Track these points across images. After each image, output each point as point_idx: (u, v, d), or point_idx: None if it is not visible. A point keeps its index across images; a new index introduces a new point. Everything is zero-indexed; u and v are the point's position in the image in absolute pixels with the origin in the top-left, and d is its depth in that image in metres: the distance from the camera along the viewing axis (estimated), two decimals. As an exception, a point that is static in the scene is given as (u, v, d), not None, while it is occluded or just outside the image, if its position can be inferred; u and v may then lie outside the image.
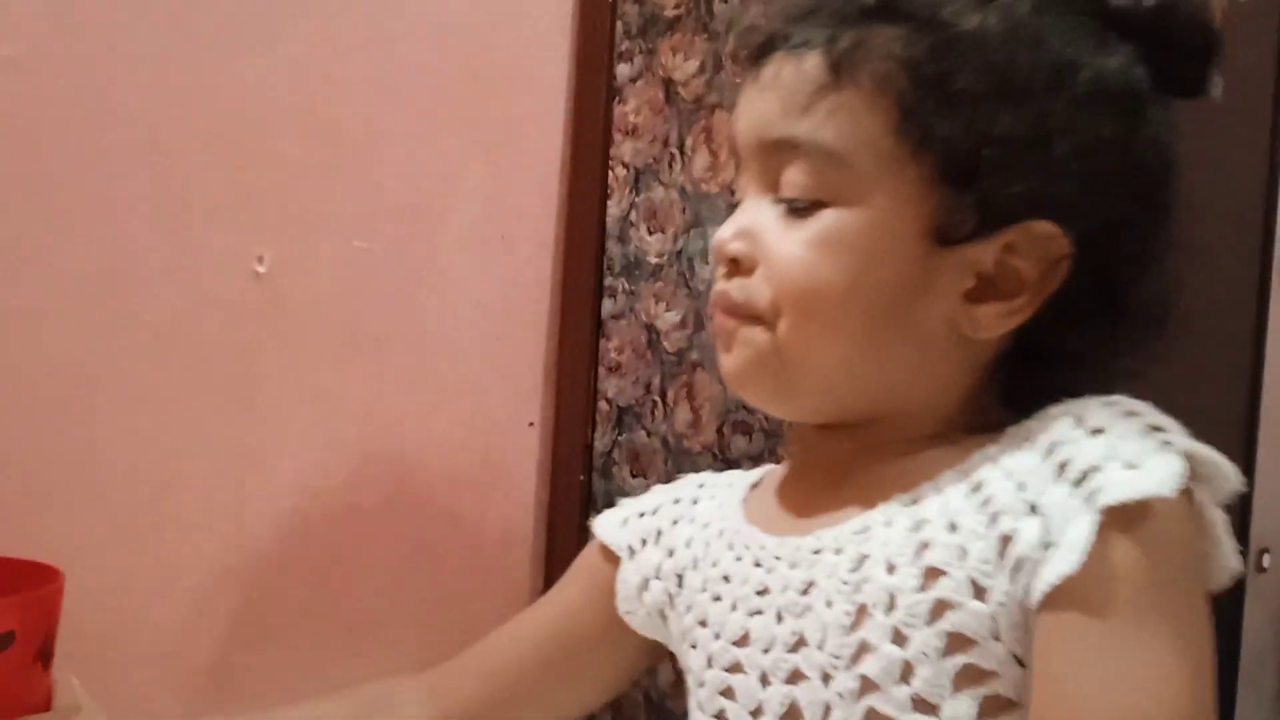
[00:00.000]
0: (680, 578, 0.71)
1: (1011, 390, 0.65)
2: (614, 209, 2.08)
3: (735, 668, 0.63)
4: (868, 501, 0.60)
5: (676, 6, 1.90)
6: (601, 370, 2.13)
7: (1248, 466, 1.78)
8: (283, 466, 0.97)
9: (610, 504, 2.19)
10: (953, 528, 0.56)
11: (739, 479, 0.74)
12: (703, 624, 0.67)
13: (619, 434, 2.14)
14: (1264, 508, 1.85)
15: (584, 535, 1.09)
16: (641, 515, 0.78)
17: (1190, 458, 0.54)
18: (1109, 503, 0.52)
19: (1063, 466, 0.54)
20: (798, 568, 0.61)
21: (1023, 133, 0.57)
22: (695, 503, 0.74)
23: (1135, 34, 0.61)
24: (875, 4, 0.59)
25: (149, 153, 0.90)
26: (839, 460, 0.64)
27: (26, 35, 0.86)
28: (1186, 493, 0.54)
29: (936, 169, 0.59)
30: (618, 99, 1.99)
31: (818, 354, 0.61)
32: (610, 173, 2.04)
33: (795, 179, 0.60)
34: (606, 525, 0.77)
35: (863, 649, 0.56)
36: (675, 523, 0.75)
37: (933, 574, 0.56)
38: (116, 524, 0.88)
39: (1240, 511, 1.63)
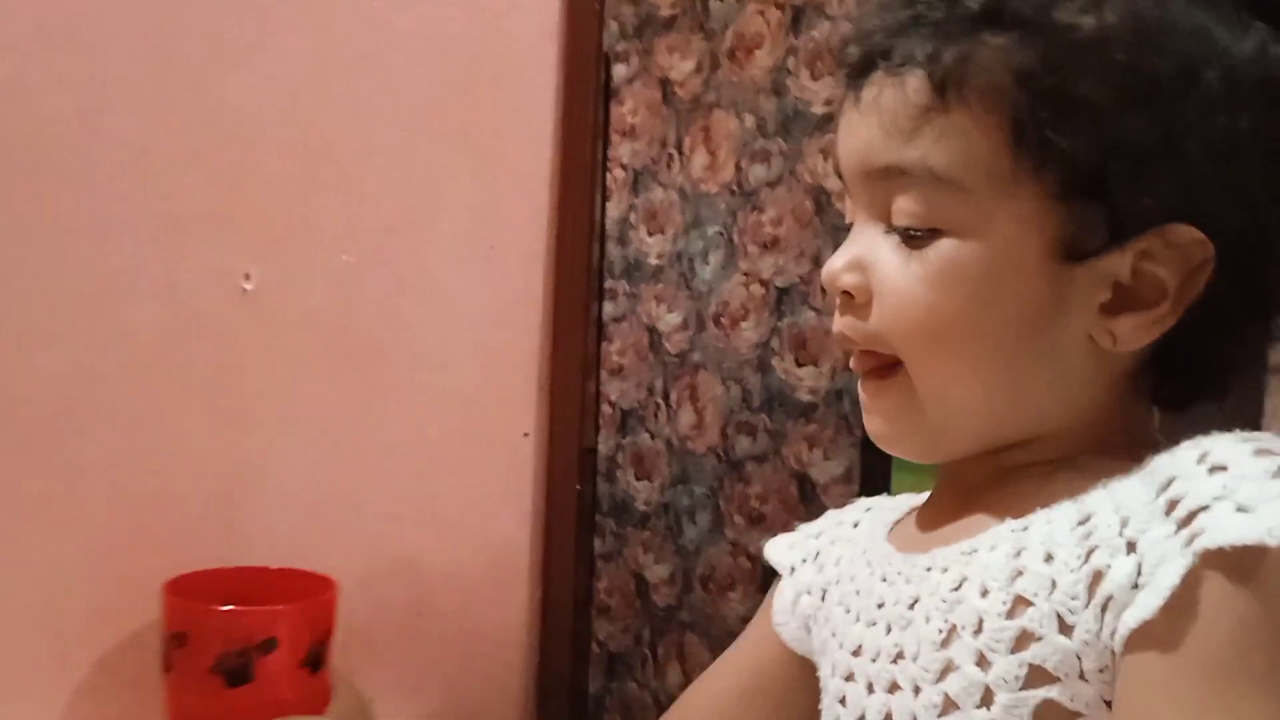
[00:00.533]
0: (825, 592, 0.70)
1: (1162, 394, 0.61)
2: (613, 211, 2.07)
3: (850, 676, 0.62)
4: (985, 524, 0.58)
5: (672, 6, 1.89)
6: (604, 373, 2.12)
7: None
8: (274, 482, 0.96)
9: (615, 507, 2.21)
10: (1049, 558, 0.53)
11: (904, 502, 0.72)
12: (833, 634, 0.66)
13: (623, 437, 2.13)
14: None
15: (581, 544, 1.08)
16: (808, 537, 0.75)
17: None
18: (1208, 546, 0.47)
19: (1173, 504, 0.50)
20: (910, 583, 0.60)
21: (1153, 138, 0.52)
22: (856, 525, 0.73)
23: (1270, 8, 0.55)
24: (979, 10, 0.54)
25: (134, 170, 0.89)
26: (974, 482, 0.62)
27: (14, 57, 0.85)
28: None
29: (1059, 185, 0.53)
30: (615, 99, 1.98)
31: (956, 395, 0.58)
32: (608, 174, 2.03)
33: (907, 207, 0.56)
34: (776, 548, 0.76)
35: (949, 667, 0.55)
36: (834, 542, 0.72)
37: (1021, 603, 0.53)
38: (106, 542, 0.87)
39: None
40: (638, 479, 2.04)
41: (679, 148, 1.90)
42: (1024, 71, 0.52)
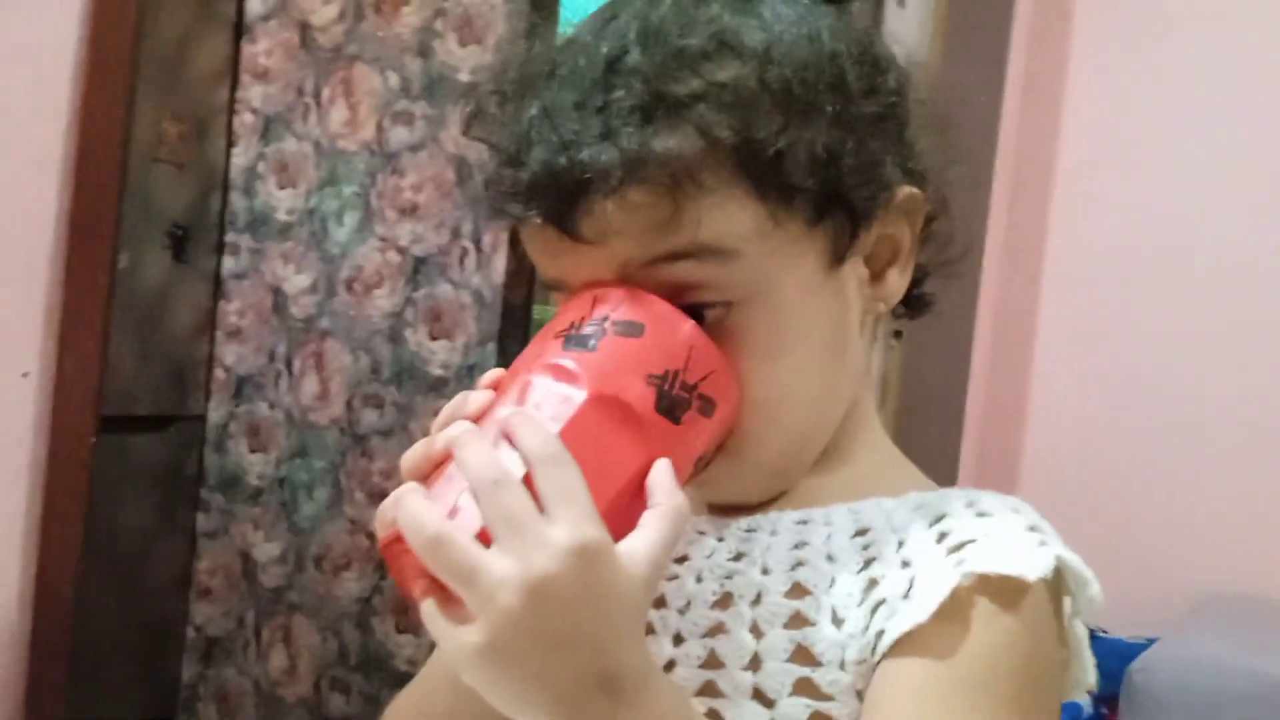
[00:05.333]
0: None
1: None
2: (240, 159, 1.91)
3: (649, 629, 0.63)
4: (759, 507, 0.62)
5: (316, -55, 1.77)
6: (219, 335, 1.95)
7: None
8: None
9: (223, 482, 2.03)
10: (830, 558, 0.58)
11: None
12: None
13: (237, 405, 1.97)
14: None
15: (94, 505, 0.94)
16: None
17: (1060, 563, 0.55)
18: (974, 570, 0.53)
19: (944, 535, 0.56)
20: (692, 544, 0.63)
21: (848, 136, 0.58)
22: None
23: None
24: (648, 104, 0.55)
25: None
26: None
27: None
28: (1055, 599, 0.56)
29: (810, 212, 0.57)
30: (247, 37, 1.83)
31: (790, 439, 0.61)
32: (236, 118, 1.87)
33: (696, 281, 0.56)
34: None
35: (719, 628, 0.58)
36: None
37: (799, 589, 0.57)
38: None
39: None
40: (252, 451, 1.89)
41: (316, 98, 1.79)
42: (730, 139, 0.55)
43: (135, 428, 1.81)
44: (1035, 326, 2.89)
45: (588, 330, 0.54)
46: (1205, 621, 2.19)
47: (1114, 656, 2.08)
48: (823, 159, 0.56)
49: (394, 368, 1.81)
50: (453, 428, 0.51)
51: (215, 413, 1.90)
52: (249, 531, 1.86)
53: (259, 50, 1.77)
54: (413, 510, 0.48)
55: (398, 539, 0.48)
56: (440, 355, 1.78)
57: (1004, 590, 0.53)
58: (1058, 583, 0.55)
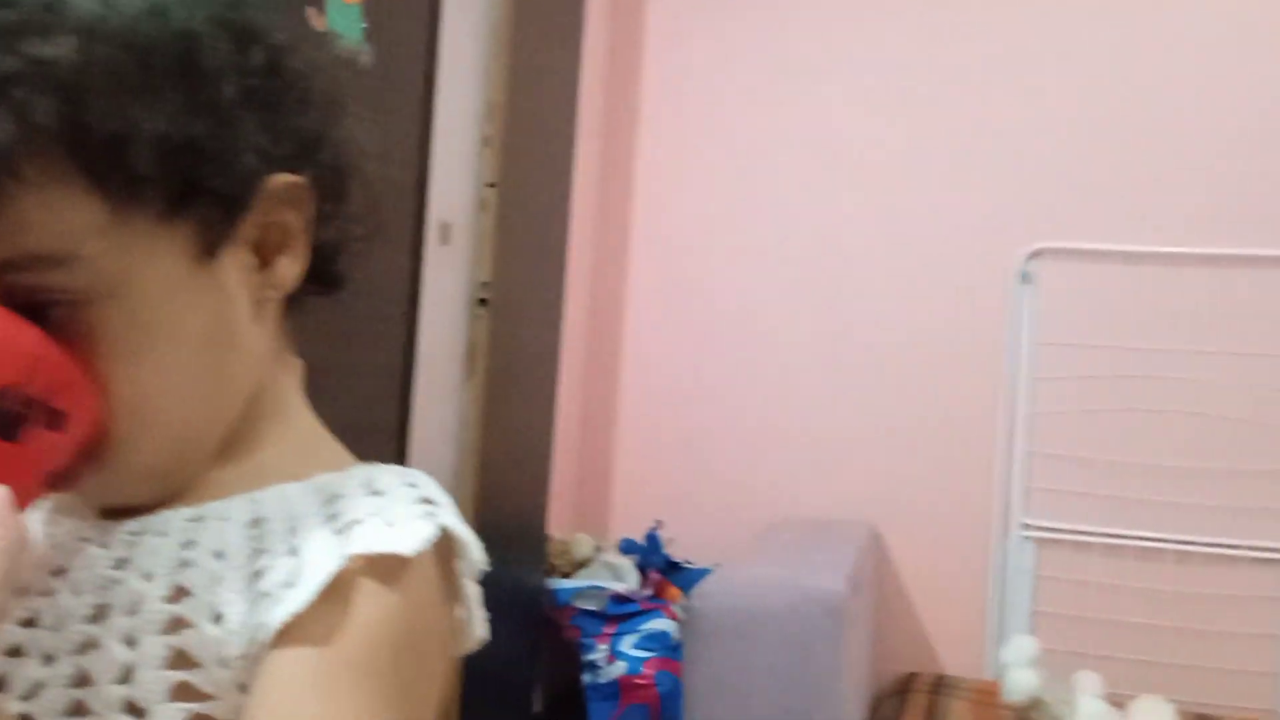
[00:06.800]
0: None
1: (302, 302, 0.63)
2: None
3: (18, 651, 0.58)
4: (159, 505, 0.58)
5: None
6: None
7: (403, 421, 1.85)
8: None
9: None
10: (219, 555, 0.55)
11: None
12: None
13: None
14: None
15: None
16: None
17: (447, 532, 0.56)
18: (355, 551, 0.53)
19: (334, 517, 0.55)
20: (74, 554, 0.58)
21: (200, 121, 0.53)
22: None
23: None
24: None
25: None
26: None
27: None
28: (444, 565, 0.57)
29: (162, 204, 0.53)
30: None
31: (183, 442, 0.57)
32: None
33: (32, 285, 0.51)
34: None
35: (90, 643, 0.55)
36: None
37: (181, 591, 0.55)
38: None
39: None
40: None
41: None
42: (54, 125, 0.49)
43: None
44: (625, 288, 3.09)
45: None
46: (761, 546, 2.48)
47: (694, 584, 2.30)
48: (170, 147, 0.52)
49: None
50: None
51: None
52: None
53: None
54: None
55: None
56: None
57: (386, 567, 0.54)
58: (446, 550, 0.57)
